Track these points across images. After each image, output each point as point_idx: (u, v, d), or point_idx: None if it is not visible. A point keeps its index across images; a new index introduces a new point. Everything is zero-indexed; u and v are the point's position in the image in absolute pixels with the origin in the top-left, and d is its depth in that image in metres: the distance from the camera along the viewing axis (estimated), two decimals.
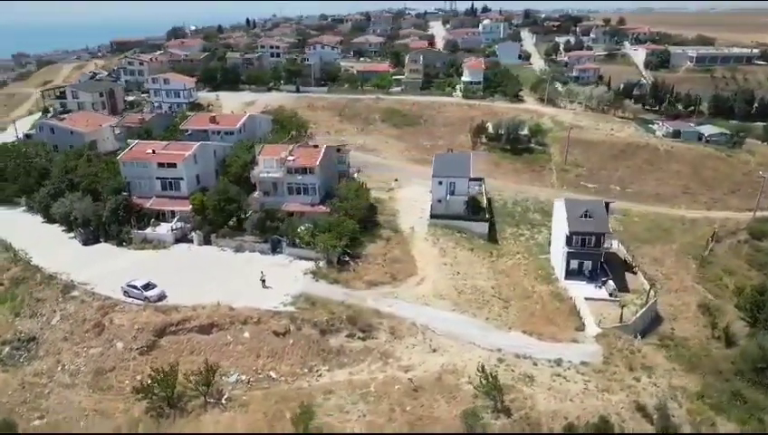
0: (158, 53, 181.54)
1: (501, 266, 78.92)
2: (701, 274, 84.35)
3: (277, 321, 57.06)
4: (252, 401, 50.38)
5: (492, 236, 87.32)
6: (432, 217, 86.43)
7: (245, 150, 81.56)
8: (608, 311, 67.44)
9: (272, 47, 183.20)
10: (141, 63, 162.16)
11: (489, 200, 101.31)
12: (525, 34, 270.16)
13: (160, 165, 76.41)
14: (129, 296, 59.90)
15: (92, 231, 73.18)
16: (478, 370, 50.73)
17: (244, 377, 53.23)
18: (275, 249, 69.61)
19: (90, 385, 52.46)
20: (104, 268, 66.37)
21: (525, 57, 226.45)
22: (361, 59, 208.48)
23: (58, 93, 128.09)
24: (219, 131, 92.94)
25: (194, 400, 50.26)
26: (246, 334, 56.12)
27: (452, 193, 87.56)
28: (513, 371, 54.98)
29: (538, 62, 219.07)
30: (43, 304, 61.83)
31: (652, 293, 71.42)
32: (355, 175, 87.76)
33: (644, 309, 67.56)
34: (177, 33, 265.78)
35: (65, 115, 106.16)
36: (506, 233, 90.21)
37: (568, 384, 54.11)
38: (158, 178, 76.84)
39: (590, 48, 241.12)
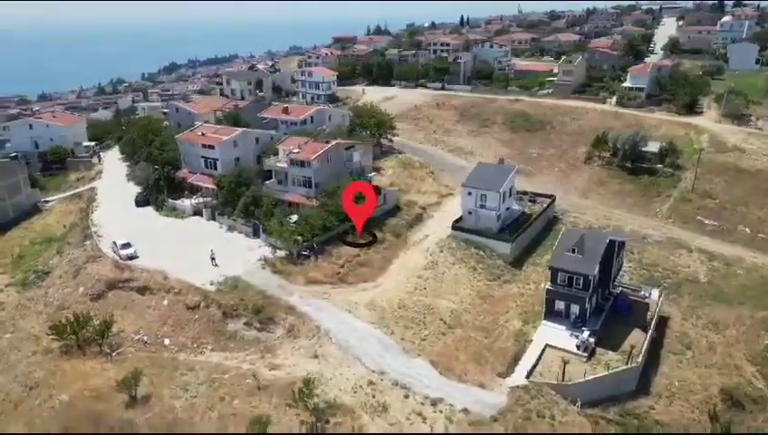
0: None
1: (495, 293, 71.74)
2: None
3: (192, 296, 62.14)
4: (131, 359, 56.63)
5: (517, 259, 79.11)
6: (454, 228, 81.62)
7: None
8: (560, 364, 57.32)
9: (442, 44, 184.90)
10: (317, 57, 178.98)
11: (555, 220, 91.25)
12: None
13: (203, 146, 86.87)
14: (114, 252, 70.83)
15: (145, 195, 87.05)
16: (304, 383, 49.02)
17: (146, 338, 59.76)
18: (256, 233, 74.33)
19: (48, 316, 64.37)
20: (128, 226, 78.52)
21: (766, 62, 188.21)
22: (543, 58, 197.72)
23: (219, 81, 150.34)
24: (286, 121, 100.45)
25: (96, 347, 58.43)
26: (165, 302, 62.49)
27: (482, 206, 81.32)
28: (372, 396, 51.53)
29: None
30: (69, 247, 76.72)
31: (639, 358, 58.12)
32: (370, 175, 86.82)
33: (602, 373, 55.73)
34: (378, 30, 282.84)
35: (193, 97, 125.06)
36: (542, 259, 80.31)
37: (420, 426, 48.91)
38: (202, 156, 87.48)
39: None
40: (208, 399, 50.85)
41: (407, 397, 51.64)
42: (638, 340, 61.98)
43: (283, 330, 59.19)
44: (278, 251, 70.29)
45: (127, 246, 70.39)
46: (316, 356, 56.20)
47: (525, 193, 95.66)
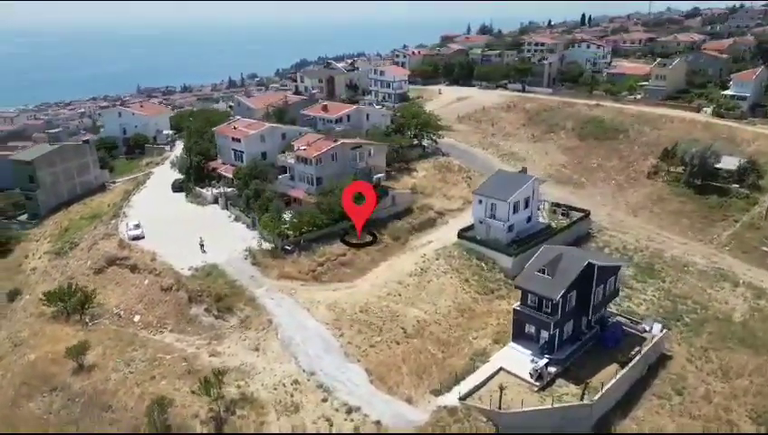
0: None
1: (479, 307, 68.11)
2: None
3: (168, 278, 65.87)
4: (102, 330, 61.58)
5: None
6: (460, 237, 78.57)
7: None
8: (508, 391, 53.07)
9: (536, 44, 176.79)
10: (405, 56, 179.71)
11: (587, 236, 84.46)
12: None
13: (233, 139, 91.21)
14: (127, 232, 77.08)
15: (180, 182, 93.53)
16: (214, 373, 50.19)
17: (121, 313, 64.53)
18: (255, 225, 76.84)
19: (59, 284, 71.53)
20: (153, 209, 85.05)
21: None
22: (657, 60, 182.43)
23: (294, 78, 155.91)
24: (324, 119, 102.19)
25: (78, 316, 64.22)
26: (146, 282, 66.89)
27: (492, 216, 77.46)
28: (291, 395, 51.49)
29: None
30: (101, 223, 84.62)
31: (596, 396, 52.32)
32: (379, 176, 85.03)
33: (546, 406, 50.88)
34: (483, 29, 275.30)
35: (256, 93, 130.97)
36: None
37: (328, 430, 48.19)
38: (232, 149, 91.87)
39: None
40: (141, 376, 53.86)
41: (324, 401, 50.94)
42: (608, 376, 55.69)
43: (237, 320, 60.90)
44: (264, 244, 72.12)
45: (136, 227, 76.29)
46: (257, 349, 57.20)
47: (558, 205, 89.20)
